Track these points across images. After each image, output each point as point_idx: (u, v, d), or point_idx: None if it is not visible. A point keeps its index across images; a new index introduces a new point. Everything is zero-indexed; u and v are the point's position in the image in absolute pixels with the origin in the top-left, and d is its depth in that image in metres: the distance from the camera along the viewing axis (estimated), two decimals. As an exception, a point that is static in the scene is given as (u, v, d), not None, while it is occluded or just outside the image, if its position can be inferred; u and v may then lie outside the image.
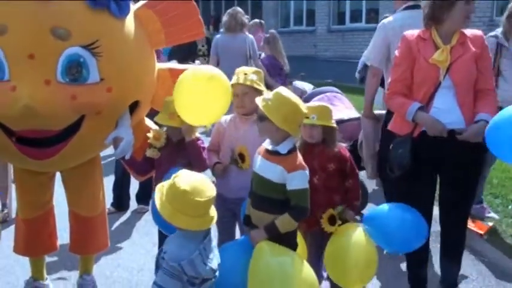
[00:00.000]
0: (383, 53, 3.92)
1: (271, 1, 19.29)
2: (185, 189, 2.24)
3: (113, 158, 3.98)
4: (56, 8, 2.55)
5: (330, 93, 3.43)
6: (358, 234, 2.91)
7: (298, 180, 2.57)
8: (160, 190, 2.35)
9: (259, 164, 2.68)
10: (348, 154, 3.06)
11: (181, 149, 3.02)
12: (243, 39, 6.36)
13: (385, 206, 3.07)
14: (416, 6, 3.86)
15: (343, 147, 3.07)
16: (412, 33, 3.17)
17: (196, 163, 2.96)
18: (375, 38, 4.03)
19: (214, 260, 2.36)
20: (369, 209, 3.01)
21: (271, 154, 2.64)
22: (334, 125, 3.05)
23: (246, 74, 3.10)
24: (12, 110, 2.45)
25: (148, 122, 3.34)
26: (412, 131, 3.10)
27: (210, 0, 23.05)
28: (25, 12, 2.50)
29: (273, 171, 2.59)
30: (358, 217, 3.17)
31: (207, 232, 2.38)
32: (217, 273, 2.37)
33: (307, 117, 2.93)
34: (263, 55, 7.07)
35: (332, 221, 2.97)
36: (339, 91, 3.56)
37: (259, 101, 2.60)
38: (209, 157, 3.11)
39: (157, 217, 2.65)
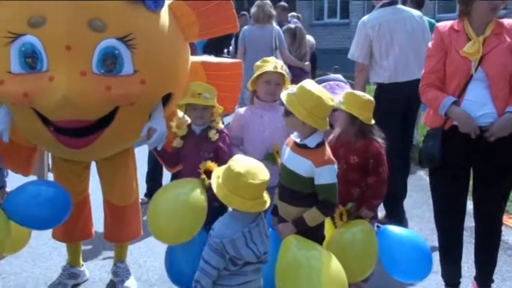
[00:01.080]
0: (366, 48, 4.32)
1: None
2: (239, 172, 2.30)
3: (146, 148, 4.04)
4: (93, 1, 2.60)
5: (333, 81, 3.38)
6: (364, 228, 2.82)
7: (327, 174, 2.55)
8: (217, 173, 2.43)
9: (288, 157, 2.67)
10: (376, 151, 2.93)
11: (204, 141, 2.99)
12: (270, 30, 6.37)
13: (402, 232, 2.96)
14: (392, 3, 4.32)
15: (376, 143, 2.96)
16: (445, 24, 3.12)
17: (226, 156, 2.90)
18: (357, 35, 4.39)
19: (261, 246, 2.37)
20: (388, 226, 2.94)
21: (299, 147, 2.62)
22: (361, 117, 2.87)
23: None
24: (50, 100, 2.53)
25: (180, 114, 3.37)
26: (443, 124, 3.05)
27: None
28: (63, 4, 2.56)
29: (301, 165, 2.58)
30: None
31: (256, 217, 2.40)
32: (262, 259, 2.41)
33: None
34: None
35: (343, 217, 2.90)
36: (344, 80, 3.52)
37: (283, 95, 2.59)
38: (232, 151, 3.08)
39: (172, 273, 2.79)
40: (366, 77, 4.44)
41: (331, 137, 3.00)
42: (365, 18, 4.44)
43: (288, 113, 2.58)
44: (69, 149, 2.84)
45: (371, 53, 4.33)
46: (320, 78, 3.58)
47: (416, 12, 4.49)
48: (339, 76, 3.62)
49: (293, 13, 9.32)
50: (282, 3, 9.03)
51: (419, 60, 3.95)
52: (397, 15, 4.31)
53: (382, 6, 4.34)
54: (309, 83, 2.60)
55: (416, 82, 3.35)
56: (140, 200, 3.56)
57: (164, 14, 2.85)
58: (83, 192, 3.34)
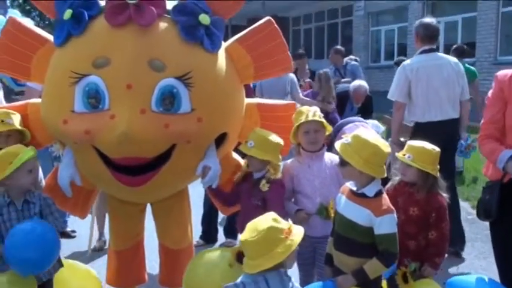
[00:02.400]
0: (405, 89, 4.65)
1: (362, 35, 19.25)
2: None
3: (202, 190, 4.04)
4: (154, 41, 2.71)
5: (358, 122, 3.40)
6: None
7: (387, 224, 2.48)
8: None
9: (344, 205, 2.61)
10: (439, 205, 2.83)
11: (256, 188, 2.99)
12: (284, 77, 6.29)
13: (473, 279, 2.79)
14: (431, 50, 4.74)
15: (439, 196, 2.86)
16: (505, 73, 3.01)
17: (272, 207, 2.79)
18: (398, 77, 4.74)
19: None
20: (456, 277, 2.78)
21: (357, 196, 2.57)
22: (433, 172, 2.85)
23: (315, 111, 3.10)
24: (111, 137, 2.59)
25: (235, 155, 3.38)
26: (502, 177, 2.91)
27: (299, 28, 23.35)
28: (126, 45, 2.68)
29: (359, 214, 2.52)
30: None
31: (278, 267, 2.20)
32: None
33: (404, 154, 2.84)
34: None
35: (406, 278, 2.78)
36: (364, 120, 3.59)
37: (337, 145, 2.57)
38: (286, 204, 3.08)
39: None
40: (403, 116, 4.78)
41: (388, 185, 2.95)
42: (406, 62, 4.85)
43: (343, 163, 2.55)
44: (127, 186, 2.87)
45: (409, 93, 4.66)
46: (345, 120, 3.62)
47: (452, 59, 4.87)
48: (360, 118, 3.77)
49: (351, 56, 9.36)
50: (338, 46, 9.06)
51: (452, 102, 4.64)
52: (434, 61, 4.70)
53: (422, 52, 4.74)
54: (363, 132, 2.60)
55: (451, 121, 4.23)
56: (195, 243, 3.55)
57: (221, 56, 2.91)
58: (137, 236, 3.36)
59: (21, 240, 2.67)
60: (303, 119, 3.07)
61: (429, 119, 4.60)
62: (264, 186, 2.95)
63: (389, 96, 4.80)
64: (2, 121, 3.04)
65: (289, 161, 3.24)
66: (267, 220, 2.13)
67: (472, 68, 6.80)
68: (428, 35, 4.73)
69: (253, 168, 3.04)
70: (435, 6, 16.51)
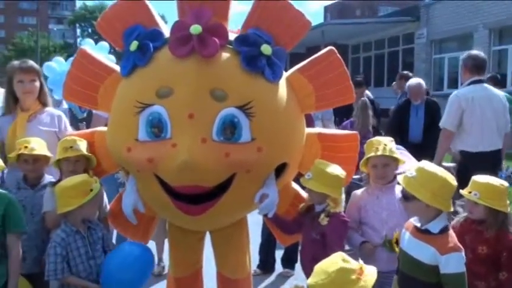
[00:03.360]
0: (457, 119, 4.80)
1: (423, 63, 18.88)
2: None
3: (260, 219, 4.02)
4: (216, 71, 2.74)
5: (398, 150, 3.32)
6: None
7: (454, 263, 2.37)
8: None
9: (408, 242, 2.53)
10: (511, 243, 2.67)
11: (317, 221, 2.93)
12: None
13: None
14: (480, 81, 4.93)
15: (510, 234, 2.71)
16: None
17: (331, 243, 2.81)
18: (450, 106, 4.88)
19: None
20: None
21: (421, 233, 2.48)
22: (503, 209, 2.70)
23: (385, 144, 3.02)
24: (172, 165, 2.61)
25: (295, 186, 3.33)
26: None
27: (359, 56, 23.20)
28: (189, 76, 2.72)
29: (423, 252, 2.43)
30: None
31: None
32: None
33: (469, 192, 2.72)
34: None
35: None
36: (401, 147, 3.55)
37: (401, 180, 2.49)
38: (351, 236, 3.01)
39: None
40: (450, 143, 4.93)
41: (454, 221, 2.83)
42: (457, 92, 5.02)
43: (408, 198, 2.47)
44: (186, 215, 2.88)
45: (460, 123, 4.81)
46: None
47: (500, 92, 5.11)
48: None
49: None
50: (404, 71, 8.94)
51: (499, 132, 4.88)
52: (485, 92, 4.89)
53: (472, 83, 4.93)
54: (427, 164, 2.50)
55: (497, 152, 4.59)
56: (252, 272, 3.50)
57: (282, 85, 2.91)
58: (196, 264, 3.35)
59: (120, 263, 2.86)
60: (372, 152, 3.02)
61: (482, 149, 4.72)
62: (323, 220, 2.88)
63: (440, 125, 4.91)
64: (71, 147, 3.15)
65: (359, 191, 3.17)
66: (336, 261, 2.02)
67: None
68: (477, 65, 4.93)
69: (313, 201, 2.99)
70: (502, 33, 16.00)
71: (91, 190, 2.93)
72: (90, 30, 62.98)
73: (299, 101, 3.02)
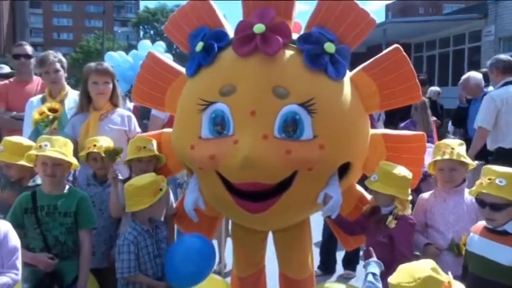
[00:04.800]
0: (493, 118, 5.06)
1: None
2: None
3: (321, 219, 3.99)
4: (278, 69, 2.75)
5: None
6: None
7: None
8: None
9: (481, 245, 2.45)
10: None
11: (384, 223, 2.87)
12: None
13: None
14: None
15: None
16: None
17: (399, 246, 2.76)
18: (487, 106, 5.12)
19: None
20: None
21: (496, 234, 2.40)
22: None
23: (453, 148, 2.93)
24: (233, 161, 2.64)
25: (359, 188, 3.28)
26: None
27: (422, 55, 22.58)
28: (251, 73, 2.74)
29: (502, 253, 2.35)
30: None
31: None
32: None
33: None
34: None
35: None
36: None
37: (490, 190, 2.43)
38: (416, 238, 2.94)
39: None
40: (484, 142, 5.17)
41: None
42: (492, 93, 5.29)
43: (499, 207, 2.41)
44: (248, 213, 2.90)
45: (496, 122, 5.06)
46: None
47: None
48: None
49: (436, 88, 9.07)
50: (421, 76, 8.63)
51: None
52: None
53: (505, 84, 5.19)
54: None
55: None
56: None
57: (346, 84, 2.88)
58: (259, 264, 3.37)
59: (183, 255, 2.95)
60: (438, 156, 2.95)
61: None
62: (391, 223, 2.81)
63: (476, 125, 5.19)
64: (144, 147, 3.25)
65: (425, 194, 3.11)
66: (426, 268, 1.92)
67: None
68: (508, 67, 5.24)
69: (379, 203, 2.93)
70: None
71: (160, 190, 3.00)
72: (152, 32, 64.81)
73: (363, 101, 2.97)
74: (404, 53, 2.94)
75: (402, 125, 6.41)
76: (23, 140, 3.40)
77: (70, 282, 3.00)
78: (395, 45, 2.98)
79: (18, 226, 2.83)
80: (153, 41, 8.96)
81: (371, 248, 2.57)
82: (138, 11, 78.38)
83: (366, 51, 9.70)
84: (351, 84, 2.91)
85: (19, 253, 2.62)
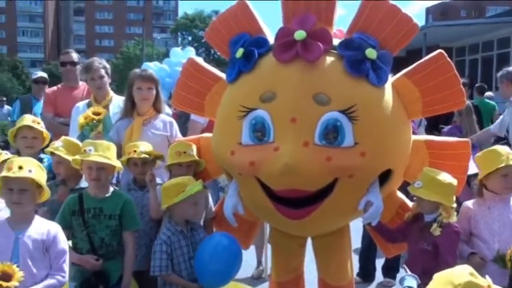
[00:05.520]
0: None
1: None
2: None
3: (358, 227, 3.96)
4: (319, 75, 2.74)
5: None
6: None
7: None
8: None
9: None
10: None
11: (427, 231, 2.83)
12: None
13: None
14: None
15: None
16: None
17: (444, 255, 2.71)
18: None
19: None
20: None
21: None
22: None
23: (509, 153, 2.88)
24: (274, 168, 2.64)
25: (400, 195, 3.24)
26: None
27: (464, 59, 22.08)
28: (292, 80, 2.74)
29: None
30: None
31: None
32: None
33: None
34: None
35: None
36: None
37: None
38: (460, 246, 2.89)
39: None
40: None
41: None
42: None
43: None
44: (287, 219, 2.90)
45: None
46: None
47: None
48: None
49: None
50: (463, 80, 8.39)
51: None
52: None
53: None
54: None
55: None
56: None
57: (387, 90, 2.85)
58: (297, 270, 3.36)
59: (210, 254, 2.98)
60: (503, 161, 2.90)
61: None
62: (436, 230, 2.77)
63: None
64: (185, 152, 3.30)
65: (469, 202, 3.06)
66: (464, 273, 1.86)
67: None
68: None
69: (423, 210, 2.89)
70: None
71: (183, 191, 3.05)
72: (190, 38, 65.56)
73: (405, 107, 2.93)
74: (447, 58, 2.89)
75: (446, 130, 6.28)
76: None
77: (115, 281, 3.08)
78: (439, 50, 2.94)
79: (66, 227, 2.92)
80: (191, 47, 9.29)
81: (405, 265, 2.53)
82: (177, 17, 79.47)
83: (406, 55, 9.57)
84: (392, 90, 2.88)
85: (67, 256, 2.70)
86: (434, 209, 2.82)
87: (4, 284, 2.41)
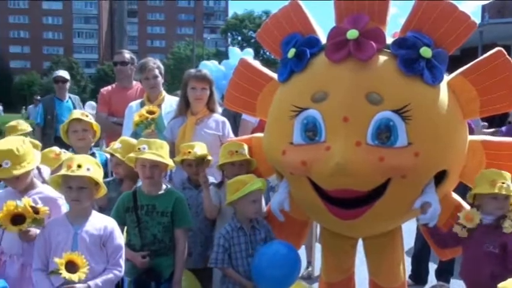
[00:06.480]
0: None
1: None
2: None
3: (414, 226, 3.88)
4: (372, 74, 2.72)
5: None
6: None
7: None
8: None
9: None
10: None
11: (494, 232, 2.75)
12: None
13: None
14: None
15: None
16: None
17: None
18: None
19: None
20: None
21: None
22: None
23: None
24: (325, 168, 2.64)
25: (455, 196, 3.16)
26: None
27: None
28: (344, 80, 2.73)
29: None
30: None
31: None
32: None
33: None
34: None
35: None
36: None
37: None
38: None
39: None
40: None
41: None
42: None
43: None
44: (339, 220, 2.88)
45: None
46: None
47: None
48: None
49: None
50: None
51: None
52: None
53: None
54: None
55: None
56: (405, 283, 3.39)
57: (442, 89, 2.79)
58: (348, 271, 3.34)
59: (269, 260, 3.00)
60: None
61: None
62: (510, 227, 2.69)
63: None
64: (237, 152, 3.33)
65: None
66: None
67: None
68: None
69: (486, 210, 2.81)
70: None
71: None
72: (239, 38, 66.04)
73: (461, 106, 2.86)
74: (507, 56, 2.80)
75: (504, 129, 6.08)
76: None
77: (167, 276, 3.14)
78: (498, 48, 2.85)
79: (121, 223, 3.00)
80: (240, 47, 9.22)
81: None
82: (227, 18, 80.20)
83: (460, 54, 9.28)
84: (448, 90, 2.82)
85: (123, 251, 2.79)
86: (497, 208, 2.75)
87: (71, 276, 2.49)
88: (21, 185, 2.86)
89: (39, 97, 13.49)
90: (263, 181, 3.17)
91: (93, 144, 3.90)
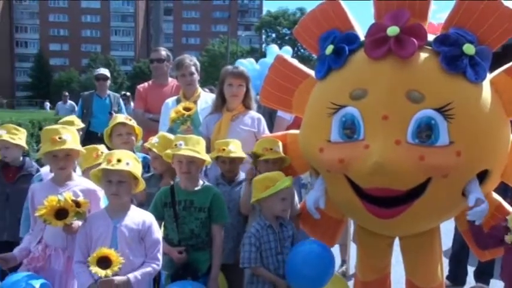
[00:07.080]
0: None
1: None
2: None
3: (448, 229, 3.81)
4: (412, 72, 2.67)
5: None
6: None
7: None
8: None
9: None
10: None
11: None
12: None
13: None
14: None
15: None
16: None
17: None
18: None
19: None
20: None
21: None
22: None
23: None
24: (364, 166, 2.61)
25: (496, 196, 3.09)
26: None
27: None
28: (384, 77, 2.69)
29: None
30: None
31: None
32: None
33: None
34: None
35: None
36: None
37: None
38: None
39: None
40: None
41: None
42: None
43: None
44: (376, 218, 2.85)
45: None
46: None
47: None
48: None
49: None
50: None
51: None
52: None
53: None
54: None
55: None
56: (442, 284, 3.33)
57: (485, 87, 2.73)
58: (384, 270, 3.30)
59: (303, 259, 3.00)
60: None
61: None
62: None
63: None
64: (271, 149, 3.33)
65: None
66: None
67: None
68: None
69: None
70: None
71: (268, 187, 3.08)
72: (274, 35, 65.99)
73: (504, 105, 2.80)
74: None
75: None
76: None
77: (205, 271, 3.17)
78: (544, 44, 2.77)
79: (159, 218, 3.05)
80: (275, 45, 9.14)
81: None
82: (261, 15, 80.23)
83: (501, 50, 9.05)
84: (490, 88, 2.75)
85: (161, 245, 2.84)
86: None
87: (103, 272, 2.56)
88: (69, 168, 3.02)
89: (67, 93, 13.86)
90: (291, 178, 3.15)
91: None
